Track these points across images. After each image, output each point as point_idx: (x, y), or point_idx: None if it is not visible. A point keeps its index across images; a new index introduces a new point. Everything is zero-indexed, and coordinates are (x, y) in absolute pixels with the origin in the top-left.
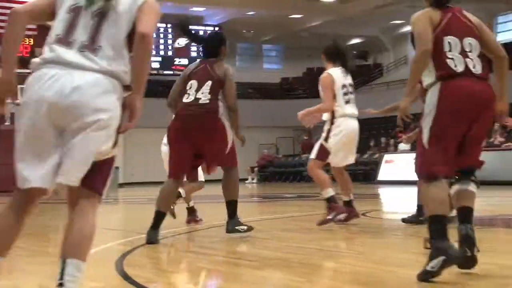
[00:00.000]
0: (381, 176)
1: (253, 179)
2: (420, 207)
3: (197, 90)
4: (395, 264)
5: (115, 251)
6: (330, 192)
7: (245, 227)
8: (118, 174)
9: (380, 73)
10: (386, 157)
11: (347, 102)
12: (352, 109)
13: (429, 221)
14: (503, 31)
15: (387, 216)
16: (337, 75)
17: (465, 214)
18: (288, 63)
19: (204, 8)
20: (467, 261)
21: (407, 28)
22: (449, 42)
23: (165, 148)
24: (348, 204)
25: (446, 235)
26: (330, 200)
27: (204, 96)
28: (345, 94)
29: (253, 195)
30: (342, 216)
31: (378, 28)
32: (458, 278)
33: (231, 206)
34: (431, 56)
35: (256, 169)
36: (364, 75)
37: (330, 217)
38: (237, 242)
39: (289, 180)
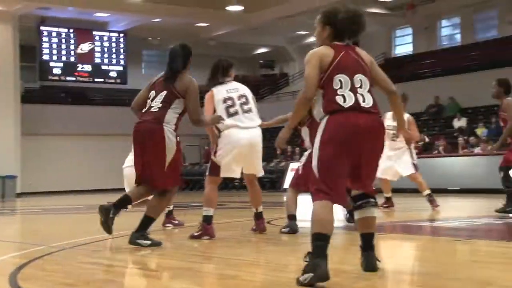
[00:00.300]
0: (287, 184)
1: None
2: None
3: (152, 100)
4: (298, 271)
5: (9, 264)
6: (209, 212)
7: (149, 242)
8: (16, 184)
9: (286, 83)
10: (292, 165)
11: (233, 114)
12: (239, 121)
13: (312, 238)
14: (400, 44)
15: None
16: (218, 90)
17: (369, 241)
18: (195, 71)
19: (109, 14)
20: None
21: (312, 39)
22: (340, 80)
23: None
24: (256, 216)
25: (324, 254)
26: (205, 219)
27: (156, 105)
28: (230, 107)
29: None
30: (206, 237)
31: (284, 38)
32: (342, 280)
33: (145, 221)
34: (322, 93)
35: None
36: (271, 84)
37: (196, 234)
38: (141, 252)
39: (196, 189)
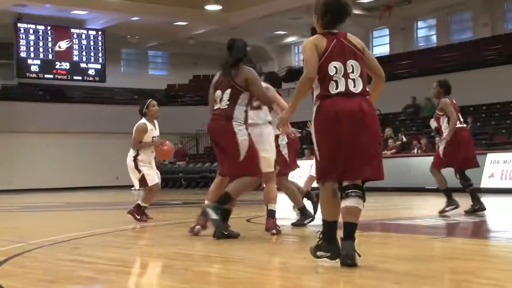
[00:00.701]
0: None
1: None
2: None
3: (221, 99)
4: (277, 269)
5: None
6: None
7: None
8: None
9: None
10: None
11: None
12: (250, 119)
13: (323, 222)
14: (378, 45)
15: None
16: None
17: (349, 230)
18: (174, 70)
19: (86, 12)
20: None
21: (290, 39)
22: (335, 67)
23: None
24: (267, 213)
25: (334, 237)
26: (202, 210)
27: (224, 103)
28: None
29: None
30: (198, 228)
31: (262, 38)
32: (320, 276)
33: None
34: (317, 79)
35: None
36: None
37: (193, 226)
38: (120, 249)
39: (176, 187)
